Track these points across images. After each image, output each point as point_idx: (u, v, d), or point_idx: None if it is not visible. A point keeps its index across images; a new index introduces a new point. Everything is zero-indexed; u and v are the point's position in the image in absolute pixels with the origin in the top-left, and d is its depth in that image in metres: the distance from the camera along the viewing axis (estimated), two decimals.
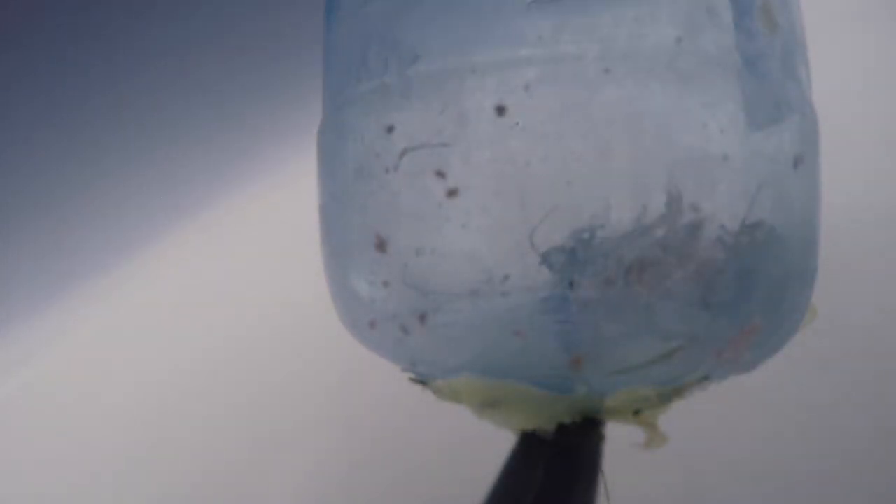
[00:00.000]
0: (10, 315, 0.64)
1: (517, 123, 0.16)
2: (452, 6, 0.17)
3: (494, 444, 0.19)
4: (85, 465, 0.60)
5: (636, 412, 0.18)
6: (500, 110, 0.16)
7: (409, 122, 0.17)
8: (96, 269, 0.66)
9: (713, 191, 0.16)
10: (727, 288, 0.17)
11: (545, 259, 0.16)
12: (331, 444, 0.49)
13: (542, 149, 0.16)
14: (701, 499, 0.37)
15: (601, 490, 0.17)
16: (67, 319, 0.69)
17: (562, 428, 0.18)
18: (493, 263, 0.17)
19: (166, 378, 0.64)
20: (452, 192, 0.17)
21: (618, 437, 0.18)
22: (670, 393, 0.18)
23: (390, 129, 0.18)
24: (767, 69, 0.17)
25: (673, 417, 0.19)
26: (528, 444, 0.18)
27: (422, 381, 0.20)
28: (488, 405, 0.18)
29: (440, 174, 0.17)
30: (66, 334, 0.72)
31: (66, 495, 0.59)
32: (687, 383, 0.18)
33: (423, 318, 0.18)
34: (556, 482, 0.17)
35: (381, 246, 0.18)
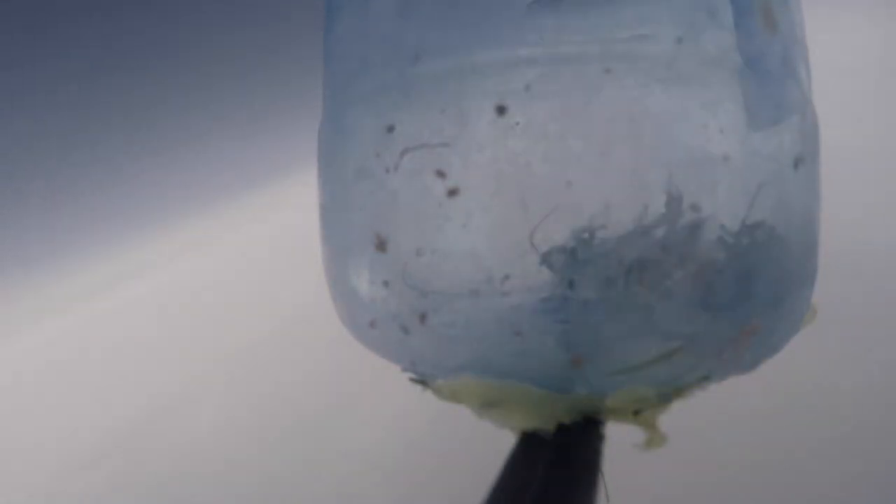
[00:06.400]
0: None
1: (517, 123, 0.16)
2: (453, 5, 0.17)
3: (494, 444, 0.19)
4: None
5: (636, 412, 0.18)
6: (501, 110, 0.16)
7: (409, 122, 0.17)
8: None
9: (713, 191, 0.16)
10: (727, 288, 0.17)
11: (545, 259, 0.16)
12: (329, 445, 0.49)
13: (543, 149, 0.16)
14: (701, 499, 0.37)
15: (601, 490, 0.17)
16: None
17: (562, 428, 0.18)
18: (493, 263, 0.17)
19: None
20: (452, 192, 0.17)
21: (618, 437, 0.18)
22: (670, 393, 0.18)
23: (390, 129, 0.18)
24: (767, 69, 0.17)
25: (673, 417, 0.19)
26: (528, 444, 0.18)
27: (422, 381, 0.20)
28: (488, 405, 0.18)
29: (440, 174, 0.17)
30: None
31: None
32: (687, 383, 0.18)
33: (423, 318, 0.18)
34: (556, 482, 0.17)
35: (381, 246, 0.18)
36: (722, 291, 0.17)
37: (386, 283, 0.18)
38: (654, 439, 0.19)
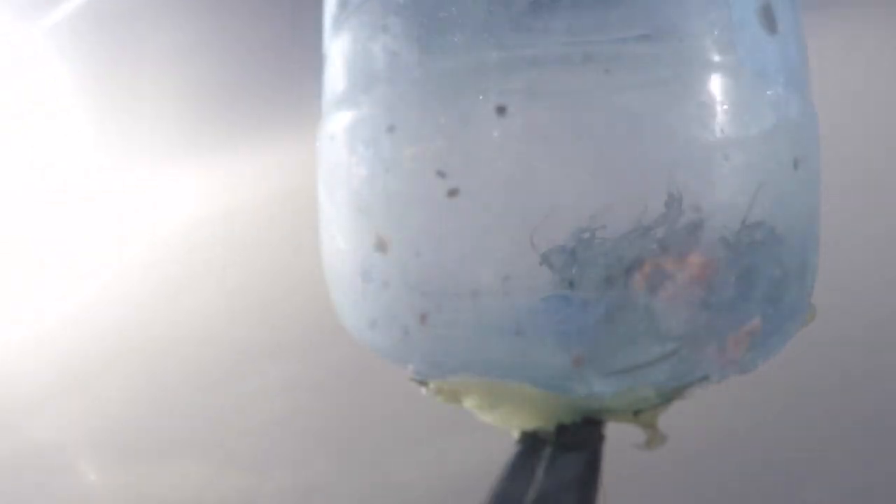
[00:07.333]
0: None
1: (517, 123, 0.16)
2: (452, 5, 0.17)
3: (495, 445, 0.19)
4: None
5: (636, 412, 0.18)
6: (501, 110, 0.16)
7: (409, 122, 0.17)
8: None
9: (713, 191, 0.16)
10: (727, 288, 0.17)
11: (545, 259, 0.16)
12: (328, 445, 0.49)
13: (543, 149, 0.16)
14: (701, 499, 0.37)
15: (601, 490, 0.17)
16: None
17: (562, 428, 0.18)
18: (493, 263, 0.17)
19: None
20: (452, 192, 0.17)
21: (618, 437, 0.18)
22: (670, 393, 0.18)
23: (390, 129, 0.18)
24: (767, 69, 0.17)
25: (673, 417, 0.19)
26: (528, 444, 0.18)
27: (422, 381, 0.20)
28: (488, 405, 0.18)
29: (440, 174, 0.17)
30: None
31: None
32: (687, 383, 0.18)
33: (423, 318, 0.18)
34: (556, 482, 0.17)
35: (381, 246, 0.18)
36: (722, 291, 0.17)
37: (386, 284, 0.18)
38: (654, 439, 0.19)
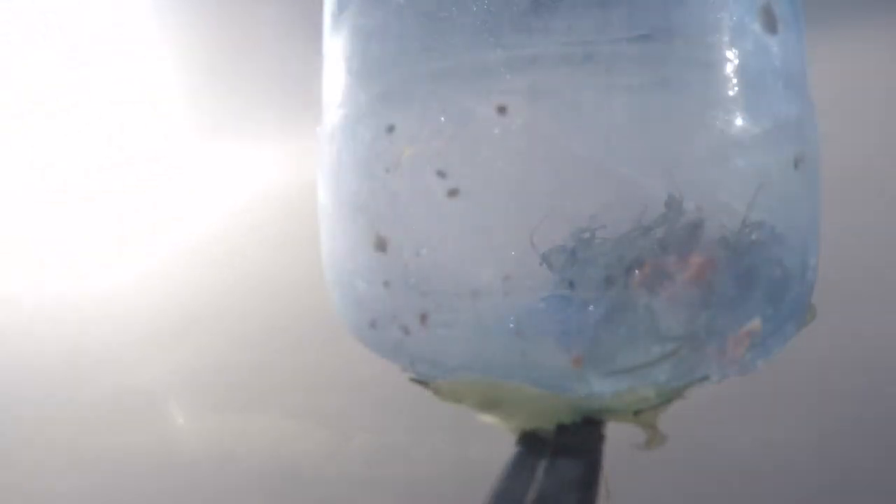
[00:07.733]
0: None
1: (517, 123, 0.16)
2: (452, 5, 0.17)
3: (494, 444, 0.19)
4: None
5: (636, 412, 0.18)
6: (501, 110, 0.16)
7: (409, 122, 0.17)
8: None
9: (713, 191, 0.16)
10: (727, 288, 0.17)
11: (545, 259, 0.16)
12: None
13: (543, 149, 0.16)
14: (701, 499, 0.37)
15: (601, 490, 0.17)
16: None
17: (562, 428, 0.18)
18: (492, 263, 0.17)
19: None
20: (452, 193, 0.17)
21: (618, 437, 0.18)
22: (670, 393, 0.18)
23: (390, 129, 0.18)
24: (767, 69, 0.17)
25: (673, 417, 0.19)
26: (528, 444, 0.18)
27: (422, 381, 0.20)
28: (488, 405, 0.18)
29: (440, 174, 0.17)
30: None
31: None
32: (687, 383, 0.18)
33: (423, 318, 0.18)
34: (556, 482, 0.16)
35: (381, 246, 0.18)
36: (722, 291, 0.17)
37: (386, 284, 0.18)
38: (654, 439, 0.19)
